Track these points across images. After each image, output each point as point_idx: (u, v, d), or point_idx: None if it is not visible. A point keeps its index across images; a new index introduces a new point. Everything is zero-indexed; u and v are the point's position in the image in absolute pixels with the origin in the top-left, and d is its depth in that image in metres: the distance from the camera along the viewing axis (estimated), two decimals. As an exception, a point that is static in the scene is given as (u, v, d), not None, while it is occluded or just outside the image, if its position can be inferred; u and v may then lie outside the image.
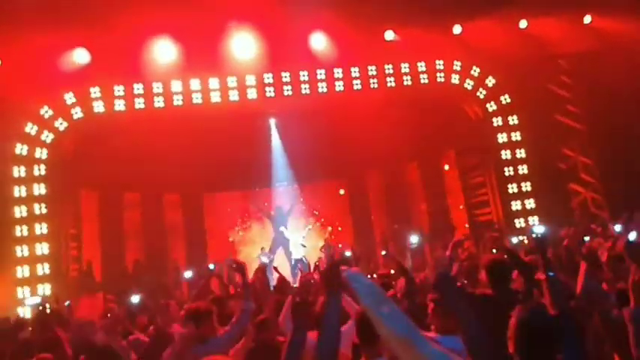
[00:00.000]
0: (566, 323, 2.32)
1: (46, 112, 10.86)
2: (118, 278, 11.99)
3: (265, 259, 12.81)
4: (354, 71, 11.79)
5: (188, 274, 9.82)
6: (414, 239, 10.30)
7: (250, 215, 14.82)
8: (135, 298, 6.34)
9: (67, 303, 7.05)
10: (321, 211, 15.02)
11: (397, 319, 1.56)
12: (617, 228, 6.89)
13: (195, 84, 11.28)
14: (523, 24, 11.93)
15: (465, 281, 3.98)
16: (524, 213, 12.45)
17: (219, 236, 14.46)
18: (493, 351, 2.23)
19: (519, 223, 12.35)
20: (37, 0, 8.26)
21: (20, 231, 10.55)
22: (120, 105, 11.05)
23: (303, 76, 11.61)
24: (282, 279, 5.90)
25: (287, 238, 14.22)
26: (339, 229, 14.89)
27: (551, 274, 2.83)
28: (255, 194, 14.75)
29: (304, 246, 13.37)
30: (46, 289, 10.47)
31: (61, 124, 11.03)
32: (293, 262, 12.50)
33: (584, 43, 11.98)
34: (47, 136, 10.99)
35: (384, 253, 11.29)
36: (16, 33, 8.64)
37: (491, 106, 12.69)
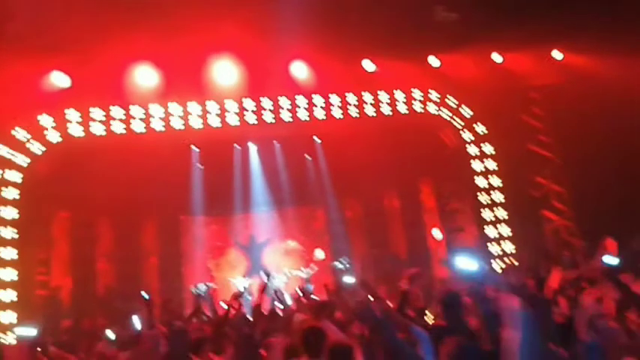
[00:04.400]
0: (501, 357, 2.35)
1: (22, 135, 10.68)
2: (87, 303, 11.64)
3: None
4: (334, 99, 12.00)
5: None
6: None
7: (228, 241, 14.65)
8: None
9: None
10: (300, 237, 14.97)
11: None
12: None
13: (175, 109, 11.28)
14: (497, 58, 12.40)
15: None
16: (500, 239, 12.68)
17: (194, 261, 14.21)
18: None
19: (494, 249, 12.56)
20: (19, 24, 8.22)
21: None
22: (98, 129, 10.96)
23: (283, 102, 11.76)
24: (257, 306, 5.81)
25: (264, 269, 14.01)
26: (321, 255, 14.78)
27: (485, 308, 2.88)
28: (233, 219, 14.62)
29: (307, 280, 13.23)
30: (11, 316, 10.07)
31: (38, 148, 10.84)
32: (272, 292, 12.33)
33: (554, 75, 12.52)
34: (22, 160, 10.78)
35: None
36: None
37: (467, 135, 13.04)
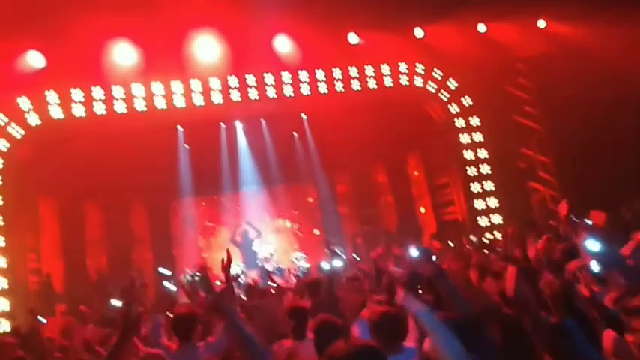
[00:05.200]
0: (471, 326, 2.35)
1: (0, 119, 10.44)
2: (81, 288, 11.60)
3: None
4: (319, 74, 11.85)
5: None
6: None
7: (218, 221, 14.63)
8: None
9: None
10: (290, 214, 14.99)
11: (454, 344, 1.99)
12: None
13: (157, 87, 11.07)
14: (482, 28, 12.29)
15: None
16: (488, 211, 12.80)
17: (185, 243, 14.19)
18: None
19: (483, 221, 12.69)
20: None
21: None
22: (79, 110, 10.74)
23: (268, 79, 11.59)
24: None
25: (255, 252, 14.05)
26: (316, 232, 14.84)
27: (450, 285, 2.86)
28: (222, 199, 14.57)
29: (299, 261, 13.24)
30: (4, 303, 10.02)
31: (17, 132, 10.61)
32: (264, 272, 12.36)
33: (539, 46, 12.46)
34: (2, 145, 10.56)
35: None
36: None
37: (454, 108, 13.00)
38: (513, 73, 13.12)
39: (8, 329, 9.14)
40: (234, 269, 13.00)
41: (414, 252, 3.11)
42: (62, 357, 3.97)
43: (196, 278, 10.82)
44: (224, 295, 2.07)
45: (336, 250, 12.95)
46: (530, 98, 13.27)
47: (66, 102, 10.66)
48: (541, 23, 12.51)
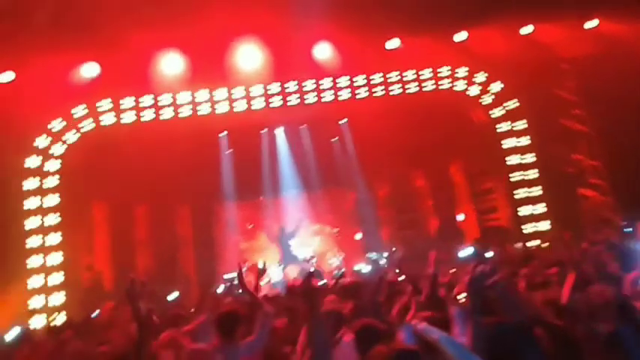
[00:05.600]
0: (519, 332, 2.30)
1: (57, 124, 11.14)
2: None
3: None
4: (359, 80, 11.91)
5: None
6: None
7: (259, 224, 14.91)
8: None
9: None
10: (329, 218, 15.07)
11: None
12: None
13: (202, 95, 11.49)
14: (527, 29, 11.97)
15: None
16: (534, 218, 12.38)
17: (228, 246, 14.55)
18: None
19: (528, 228, 12.28)
20: (50, 16, 8.51)
21: (33, 242, 10.75)
22: (129, 117, 11.31)
23: (309, 85, 11.75)
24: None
25: (295, 255, 14.23)
26: (358, 237, 14.79)
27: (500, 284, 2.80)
28: (263, 203, 14.83)
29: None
30: (59, 297, 10.64)
31: (72, 137, 11.29)
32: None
33: (588, 46, 11.96)
34: (59, 149, 11.26)
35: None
36: (30, 48, 8.90)
37: (497, 112, 12.70)
38: (559, 74, 12.65)
39: (63, 321, 9.71)
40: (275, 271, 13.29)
41: (466, 252, 3.10)
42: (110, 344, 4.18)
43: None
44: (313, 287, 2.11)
45: (375, 254, 13.00)
46: (577, 100, 12.73)
47: (117, 109, 11.27)
48: (589, 24, 12.01)
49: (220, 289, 9.49)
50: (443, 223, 14.29)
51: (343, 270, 12.33)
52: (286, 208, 14.76)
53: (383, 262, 12.61)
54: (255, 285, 4.26)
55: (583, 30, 12.03)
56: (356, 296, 4.87)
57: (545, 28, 11.77)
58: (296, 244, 14.44)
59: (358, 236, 14.65)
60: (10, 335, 5.91)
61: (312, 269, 11.40)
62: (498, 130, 12.71)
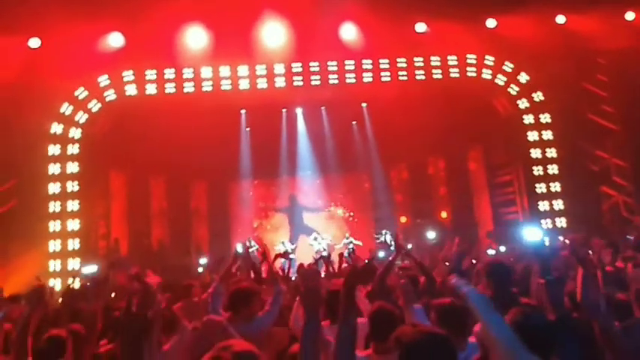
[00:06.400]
0: (564, 328, 2.28)
1: (81, 93, 11.24)
2: (143, 256, 12.36)
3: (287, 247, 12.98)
4: (383, 63, 11.70)
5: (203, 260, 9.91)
6: (431, 235, 10.29)
7: (272, 203, 15.00)
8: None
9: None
10: (344, 201, 15.07)
11: (504, 329, 1.86)
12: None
13: (224, 71, 11.43)
14: (561, 19, 11.55)
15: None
16: (552, 214, 12.17)
17: (242, 222, 14.69)
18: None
19: (546, 223, 12.08)
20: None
21: (53, 207, 11.00)
22: (151, 89, 11.34)
23: (332, 66, 11.60)
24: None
25: (308, 227, 14.31)
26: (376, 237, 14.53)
27: (549, 277, 2.78)
28: (278, 182, 14.88)
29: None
30: (75, 263, 10.92)
31: (94, 105, 11.40)
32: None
33: (625, 40, 11.49)
34: (81, 117, 11.39)
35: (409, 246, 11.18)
36: (56, 15, 8.93)
37: (523, 103, 12.39)
38: (592, 68, 12.22)
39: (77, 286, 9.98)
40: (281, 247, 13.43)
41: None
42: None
43: (251, 250, 11.22)
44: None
45: (387, 239, 12.99)
46: (608, 96, 12.32)
47: (140, 81, 11.29)
48: (629, 15, 11.53)
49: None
50: (457, 213, 14.14)
51: (352, 246, 12.39)
52: (300, 189, 14.79)
53: (389, 240, 12.62)
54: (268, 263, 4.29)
55: (621, 22, 11.55)
56: (367, 280, 4.87)
57: (579, 18, 11.34)
58: (308, 221, 14.52)
59: (376, 237, 14.42)
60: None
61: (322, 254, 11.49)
62: (525, 122, 12.40)
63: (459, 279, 2.12)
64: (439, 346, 1.68)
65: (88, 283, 5.35)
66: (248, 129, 13.33)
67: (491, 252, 10.16)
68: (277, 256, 6.65)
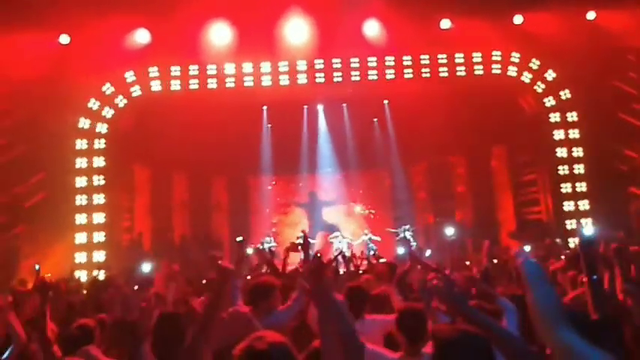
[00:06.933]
0: (607, 328, 2.23)
1: (108, 88, 11.47)
2: (166, 250, 12.57)
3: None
4: (406, 60, 11.60)
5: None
6: (450, 231, 10.20)
7: (292, 199, 15.05)
8: None
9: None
10: (364, 199, 15.03)
11: (551, 300, 1.76)
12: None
13: (247, 67, 11.50)
14: (591, 15, 11.26)
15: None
16: (577, 214, 11.90)
17: (262, 218, 14.79)
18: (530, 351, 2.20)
19: (571, 224, 11.83)
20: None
21: (80, 200, 11.27)
22: (175, 85, 11.50)
23: (354, 62, 11.56)
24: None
25: (327, 223, 14.32)
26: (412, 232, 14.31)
27: (594, 277, 2.72)
28: (299, 179, 14.92)
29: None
30: (100, 255, 11.16)
31: (120, 101, 11.61)
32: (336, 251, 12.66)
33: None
34: (108, 112, 11.62)
35: (428, 253, 11.07)
36: (86, 14, 9.13)
37: (549, 101, 12.14)
38: (623, 65, 11.87)
39: (102, 278, 10.20)
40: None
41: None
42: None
43: (266, 247, 11.25)
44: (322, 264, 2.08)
45: (407, 237, 12.92)
46: (638, 94, 11.98)
47: (165, 77, 11.46)
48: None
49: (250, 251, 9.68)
50: (478, 212, 13.94)
51: (375, 248, 12.35)
52: (320, 185, 14.80)
53: (407, 236, 12.57)
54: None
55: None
56: (391, 278, 4.86)
57: (610, 14, 11.03)
58: (328, 217, 14.54)
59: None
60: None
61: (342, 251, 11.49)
62: (551, 120, 12.15)
63: (521, 249, 2.07)
64: (476, 345, 1.66)
65: (136, 287, 5.46)
66: (269, 125, 13.41)
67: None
68: (291, 248, 6.59)
